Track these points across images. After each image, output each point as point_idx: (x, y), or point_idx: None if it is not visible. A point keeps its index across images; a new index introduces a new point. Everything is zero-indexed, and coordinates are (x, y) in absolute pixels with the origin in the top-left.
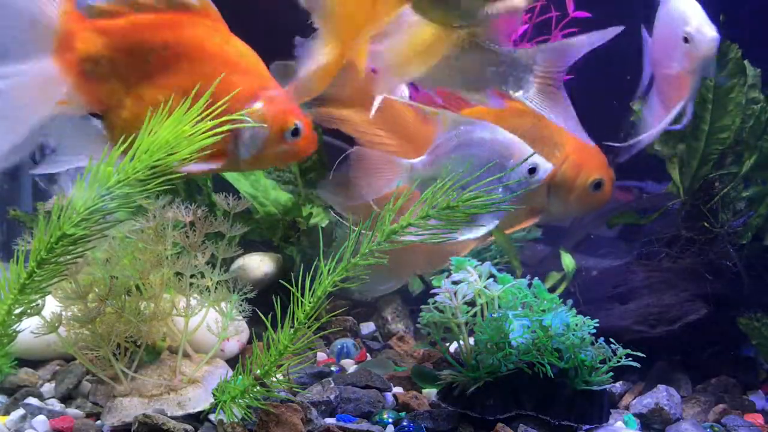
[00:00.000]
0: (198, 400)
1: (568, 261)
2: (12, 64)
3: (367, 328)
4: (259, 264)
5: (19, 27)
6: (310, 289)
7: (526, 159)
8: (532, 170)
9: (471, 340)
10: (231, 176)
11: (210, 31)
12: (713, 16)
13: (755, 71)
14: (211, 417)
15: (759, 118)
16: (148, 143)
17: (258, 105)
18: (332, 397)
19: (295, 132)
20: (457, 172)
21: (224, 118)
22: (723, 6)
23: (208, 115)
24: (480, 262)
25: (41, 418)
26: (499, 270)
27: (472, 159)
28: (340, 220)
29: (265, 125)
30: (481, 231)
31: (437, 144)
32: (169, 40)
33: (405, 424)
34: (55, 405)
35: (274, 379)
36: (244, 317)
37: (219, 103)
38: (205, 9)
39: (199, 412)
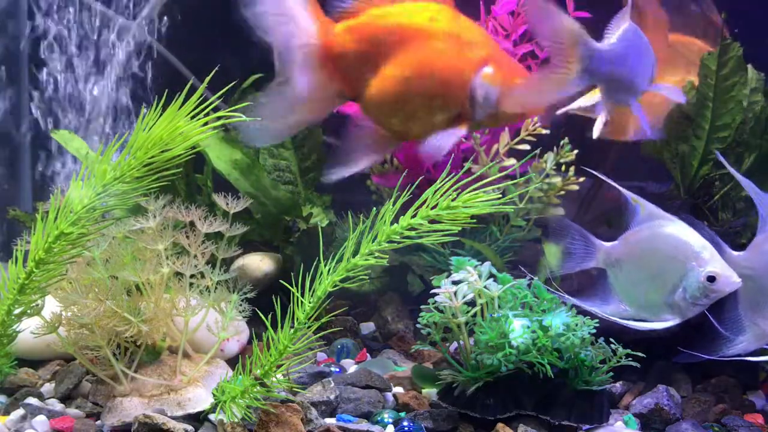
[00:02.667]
0: (198, 400)
1: (553, 252)
2: (288, 73)
3: (367, 328)
4: (259, 264)
5: (294, 45)
6: (310, 289)
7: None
8: (711, 279)
9: (471, 340)
10: (231, 176)
11: (437, 12)
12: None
13: (758, 74)
14: (211, 417)
15: (759, 117)
16: (142, 140)
17: (488, 69)
18: (332, 397)
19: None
20: (641, 264)
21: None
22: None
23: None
24: (480, 262)
25: (41, 418)
26: (498, 270)
27: (656, 254)
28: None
29: (496, 86)
30: (661, 325)
31: (631, 231)
32: (404, 23)
33: (405, 424)
34: (55, 405)
35: (274, 379)
36: (244, 317)
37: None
38: None
39: (199, 412)
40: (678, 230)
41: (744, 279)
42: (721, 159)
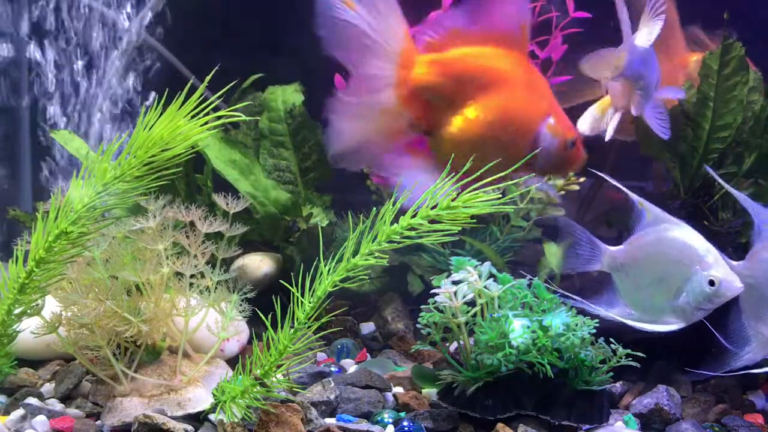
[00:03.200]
0: (198, 400)
1: (552, 251)
2: (368, 95)
3: (367, 328)
4: (259, 264)
5: (377, 64)
6: (310, 289)
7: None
8: (713, 283)
9: (471, 340)
10: (231, 176)
11: (516, 62)
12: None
13: (756, 74)
14: (211, 417)
15: (759, 116)
16: (143, 139)
17: (551, 120)
18: (332, 397)
19: (573, 143)
20: (646, 268)
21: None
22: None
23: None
24: (480, 262)
25: (41, 418)
26: (499, 270)
27: (661, 257)
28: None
29: (557, 137)
30: (666, 328)
31: (636, 235)
32: (490, 67)
33: (405, 424)
34: (55, 405)
35: (274, 379)
36: (244, 317)
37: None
38: (518, 40)
39: (199, 412)
40: (683, 234)
41: (745, 288)
42: (711, 172)
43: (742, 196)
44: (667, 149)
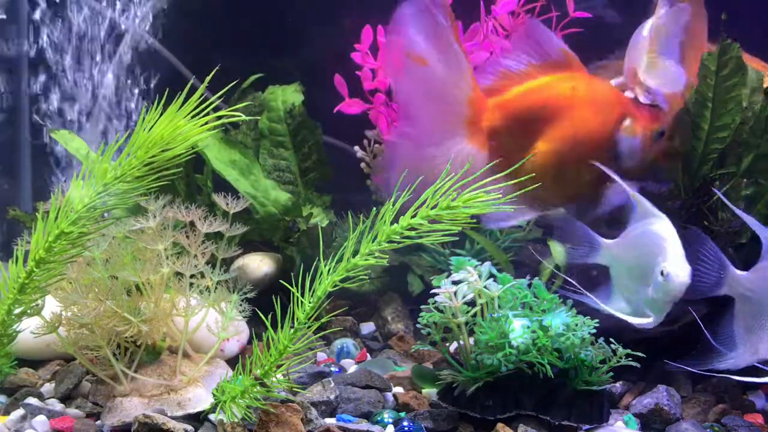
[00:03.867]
0: (198, 400)
1: (558, 250)
2: (442, 143)
3: (367, 328)
4: (259, 264)
5: (449, 114)
6: (310, 289)
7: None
8: (663, 274)
9: (471, 340)
10: (231, 176)
11: (575, 81)
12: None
13: (758, 74)
14: (211, 417)
15: (759, 116)
16: (143, 139)
17: (626, 122)
18: (332, 397)
19: (661, 134)
20: (631, 260)
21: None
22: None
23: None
24: (480, 262)
25: (41, 418)
26: (499, 270)
27: (642, 250)
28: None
29: (637, 135)
30: (645, 321)
31: (629, 229)
32: (549, 98)
33: (405, 424)
34: (55, 405)
35: (274, 379)
36: (244, 317)
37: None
38: (569, 61)
39: (199, 412)
40: (659, 227)
41: (743, 299)
42: (717, 192)
43: (749, 218)
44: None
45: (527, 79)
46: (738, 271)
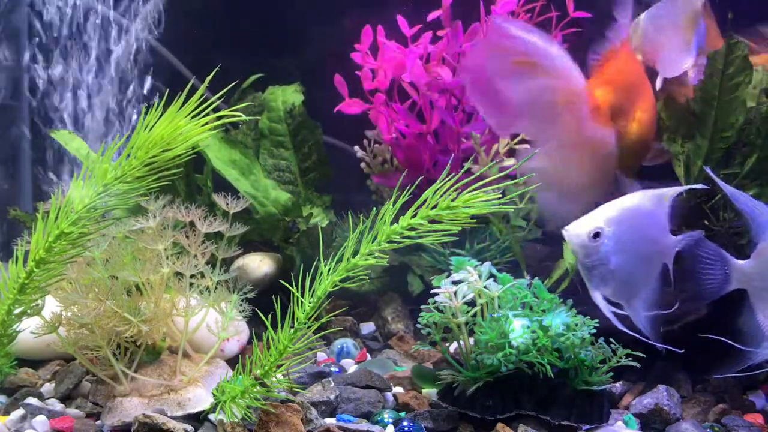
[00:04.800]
0: (198, 400)
1: (569, 254)
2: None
3: (367, 328)
4: (259, 264)
5: (577, 107)
6: (310, 289)
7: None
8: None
9: (471, 340)
10: (231, 176)
11: (635, 58)
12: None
13: (764, 74)
14: (211, 417)
15: (766, 117)
16: (143, 139)
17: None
18: (332, 397)
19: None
20: None
21: None
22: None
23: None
24: (480, 262)
25: (41, 418)
26: (499, 270)
27: None
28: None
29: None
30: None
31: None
32: (632, 74)
33: (405, 424)
34: (55, 405)
35: (274, 379)
36: (244, 317)
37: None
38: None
39: (199, 412)
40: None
41: (755, 288)
42: (710, 173)
43: (738, 194)
44: (675, 148)
45: (618, 56)
46: (740, 262)
